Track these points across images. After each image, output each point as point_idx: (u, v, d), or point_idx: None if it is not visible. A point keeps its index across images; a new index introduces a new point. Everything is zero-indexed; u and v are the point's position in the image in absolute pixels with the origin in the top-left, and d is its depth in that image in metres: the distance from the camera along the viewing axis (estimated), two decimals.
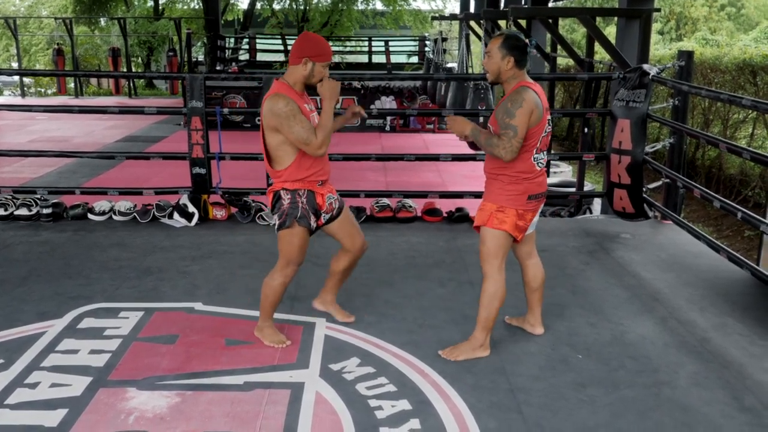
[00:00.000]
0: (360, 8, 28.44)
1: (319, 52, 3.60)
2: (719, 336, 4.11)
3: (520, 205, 3.68)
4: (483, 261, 3.75)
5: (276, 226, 3.76)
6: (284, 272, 3.81)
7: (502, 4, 15.39)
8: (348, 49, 27.54)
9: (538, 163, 3.67)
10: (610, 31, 21.56)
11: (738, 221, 7.52)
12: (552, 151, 9.82)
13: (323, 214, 3.81)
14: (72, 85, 22.07)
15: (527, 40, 3.69)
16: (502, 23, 13.03)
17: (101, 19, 28.99)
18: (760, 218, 4.70)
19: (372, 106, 14.63)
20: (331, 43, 26.26)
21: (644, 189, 6.07)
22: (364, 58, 23.77)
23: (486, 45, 3.76)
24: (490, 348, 3.83)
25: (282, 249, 3.77)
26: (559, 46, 10.33)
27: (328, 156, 3.85)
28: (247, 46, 23.25)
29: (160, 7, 28.07)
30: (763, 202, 8.56)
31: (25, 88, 22.60)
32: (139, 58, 29.19)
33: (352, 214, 4.01)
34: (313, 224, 3.77)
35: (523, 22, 11.51)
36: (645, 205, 6.09)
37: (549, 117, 3.71)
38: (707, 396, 3.45)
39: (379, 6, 28.95)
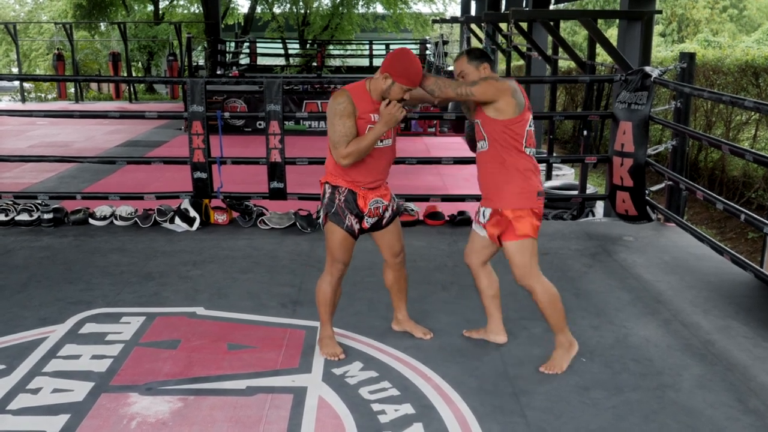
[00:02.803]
0: (360, 12, 28.46)
1: (402, 74, 3.47)
2: (723, 338, 4.09)
3: (532, 203, 3.61)
4: (520, 278, 3.65)
5: (320, 221, 3.81)
6: (330, 270, 3.76)
7: (503, 7, 15.39)
8: (349, 52, 27.55)
9: (533, 157, 3.67)
10: (612, 34, 21.62)
11: (741, 223, 7.50)
12: (554, 154, 9.81)
13: (366, 218, 3.72)
14: (72, 90, 22.08)
15: (482, 47, 3.77)
16: (503, 25, 13.04)
17: (101, 23, 29.01)
18: (764, 220, 4.68)
19: None
20: (331, 47, 26.43)
21: (647, 191, 6.06)
22: (365, 62, 23.75)
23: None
24: (575, 340, 3.77)
25: (327, 246, 3.75)
26: (560, 49, 10.32)
27: (390, 163, 3.77)
28: (247, 51, 23.23)
29: (160, 12, 28.08)
30: (767, 204, 8.55)
31: (26, 93, 22.61)
32: (140, 63, 29.22)
33: (399, 225, 3.90)
34: (349, 223, 3.67)
35: (524, 25, 11.50)
36: (648, 207, 6.08)
37: (531, 115, 3.65)
38: (711, 398, 3.43)
39: (380, 9, 28.98)
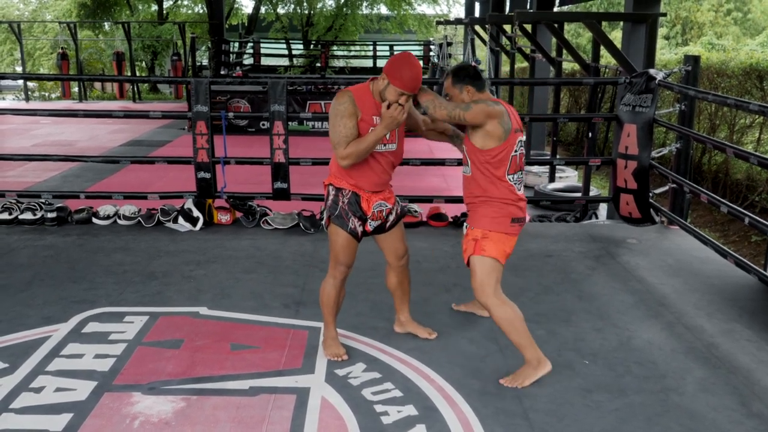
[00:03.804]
0: (365, 13, 28.46)
1: (397, 76, 3.43)
2: (727, 342, 4.09)
3: (505, 228, 3.62)
4: (476, 294, 3.63)
5: (323, 223, 3.78)
6: (333, 273, 3.74)
7: (507, 9, 15.38)
8: (352, 53, 27.54)
9: (516, 186, 3.63)
10: (616, 36, 21.59)
11: (744, 226, 7.50)
12: (558, 156, 9.80)
13: (370, 221, 3.71)
14: (76, 89, 22.11)
15: (472, 63, 3.75)
16: (507, 27, 13.02)
17: (105, 23, 29.06)
18: None
19: None
20: (335, 48, 26.43)
21: (651, 194, 6.05)
22: (369, 63, 23.72)
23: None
24: (547, 360, 3.65)
25: (331, 249, 3.74)
26: (564, 51, 10.30)
27: (393, 167, 3.75)
28: (251, 51, 23.23)
29: (165, 12, 28.11)
30: None
31: (29, 92, 22.64)
32: (143, 63, 29.24)
33: (402, 228, 3.90)
34: (352, 226, 3.65)
35: (528, 27, 11.48)
36: (651, 210, 6.07)
37: (522, 138, 3.64)
38: (715, 402, 3.43)
39: (384, 10, 28.98)
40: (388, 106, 3.48)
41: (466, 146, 3.70)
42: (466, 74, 3.65)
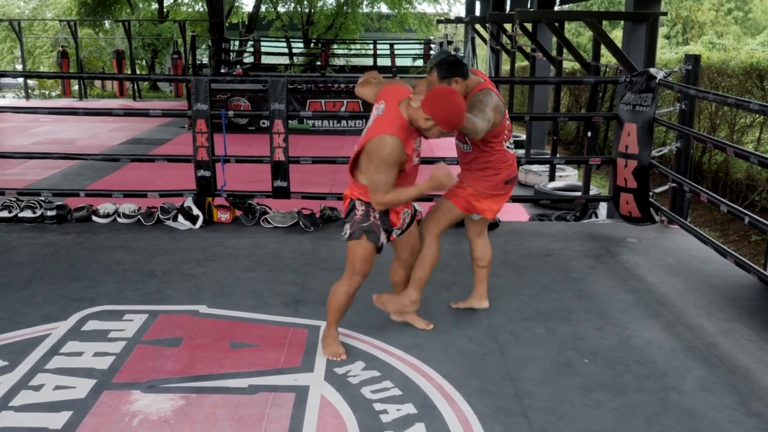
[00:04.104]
0: (365, 11, 28.43)
1: (446, 123, 3.37)
2: (726, 341, 4.08)
3: (498, 189, 4.05)
4: (426, 223, 4.02)
5: (346, 236, 3.68)
6: (349, 282, 3.74)
7: (507, 8, 15.36)
8: (353, 52, 27.51)
9: (511, 150, 4.07)
10: (617, 35, 21.59)
11: (744, 226, 7.49)
12: (558, 155, 9.79)
13: (395, 230, 3.73)
14: (76, 87, 22.10)
15: (452, 53, 3.91)
16: (507, 26, 13.01)
17: (105, 21, 29.03)
18: None
19: None
20: (335, 46, 26.41)
21: (651, 193, 6.05)
22: (369, 62, 23.63)
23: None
24: (417, 307, 4.03)
25: (349, 258, 3.71)
26: (565, 50, 10.30)
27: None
28: (251, 49, 23.20)
29: (165, 10, 28.08)
30: None
31: (30, 90, 22.63)
32: (144, 61, 29.23)
33: (416, 223, 3.98)
34: (383, 240, 3.66)
35: (528, 26, 11.47)
36: (651, 209, 6.07)
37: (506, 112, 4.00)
38: (714, 401, 3.43)
39: (384, 9, 28.96)
40: (439, 167, 3.51)
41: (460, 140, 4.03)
42: (450, 66, 3.72)
